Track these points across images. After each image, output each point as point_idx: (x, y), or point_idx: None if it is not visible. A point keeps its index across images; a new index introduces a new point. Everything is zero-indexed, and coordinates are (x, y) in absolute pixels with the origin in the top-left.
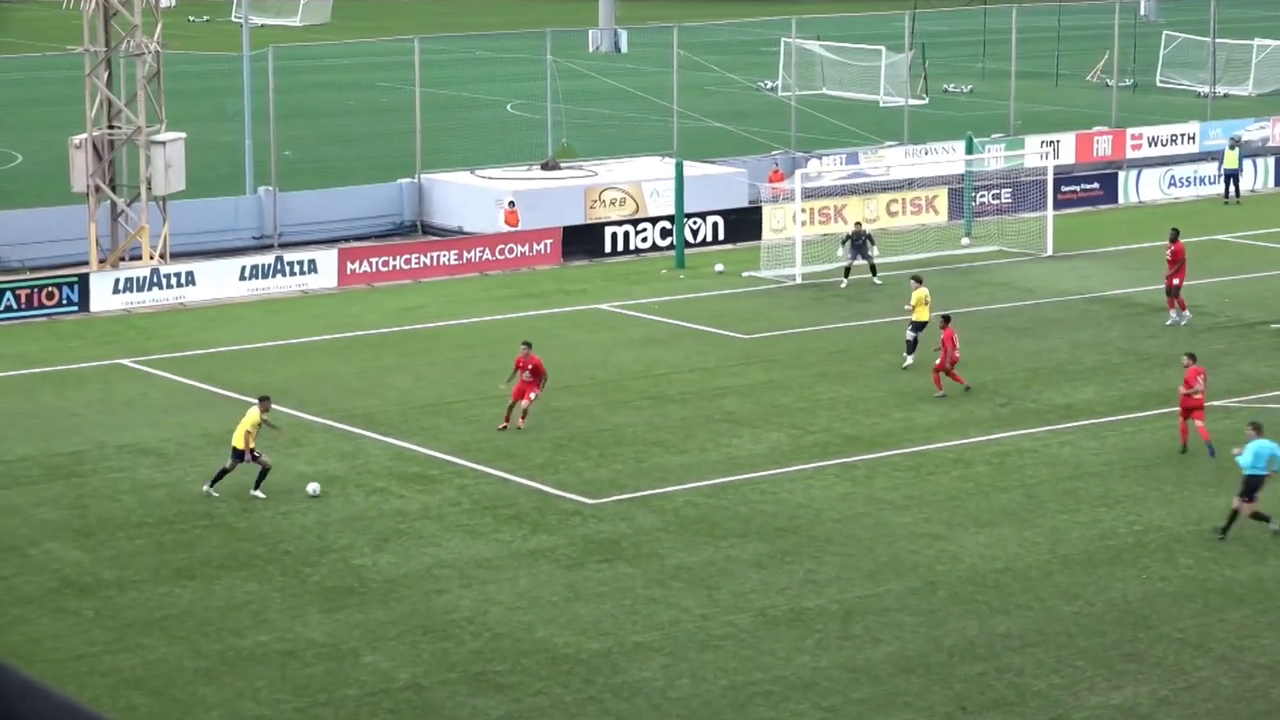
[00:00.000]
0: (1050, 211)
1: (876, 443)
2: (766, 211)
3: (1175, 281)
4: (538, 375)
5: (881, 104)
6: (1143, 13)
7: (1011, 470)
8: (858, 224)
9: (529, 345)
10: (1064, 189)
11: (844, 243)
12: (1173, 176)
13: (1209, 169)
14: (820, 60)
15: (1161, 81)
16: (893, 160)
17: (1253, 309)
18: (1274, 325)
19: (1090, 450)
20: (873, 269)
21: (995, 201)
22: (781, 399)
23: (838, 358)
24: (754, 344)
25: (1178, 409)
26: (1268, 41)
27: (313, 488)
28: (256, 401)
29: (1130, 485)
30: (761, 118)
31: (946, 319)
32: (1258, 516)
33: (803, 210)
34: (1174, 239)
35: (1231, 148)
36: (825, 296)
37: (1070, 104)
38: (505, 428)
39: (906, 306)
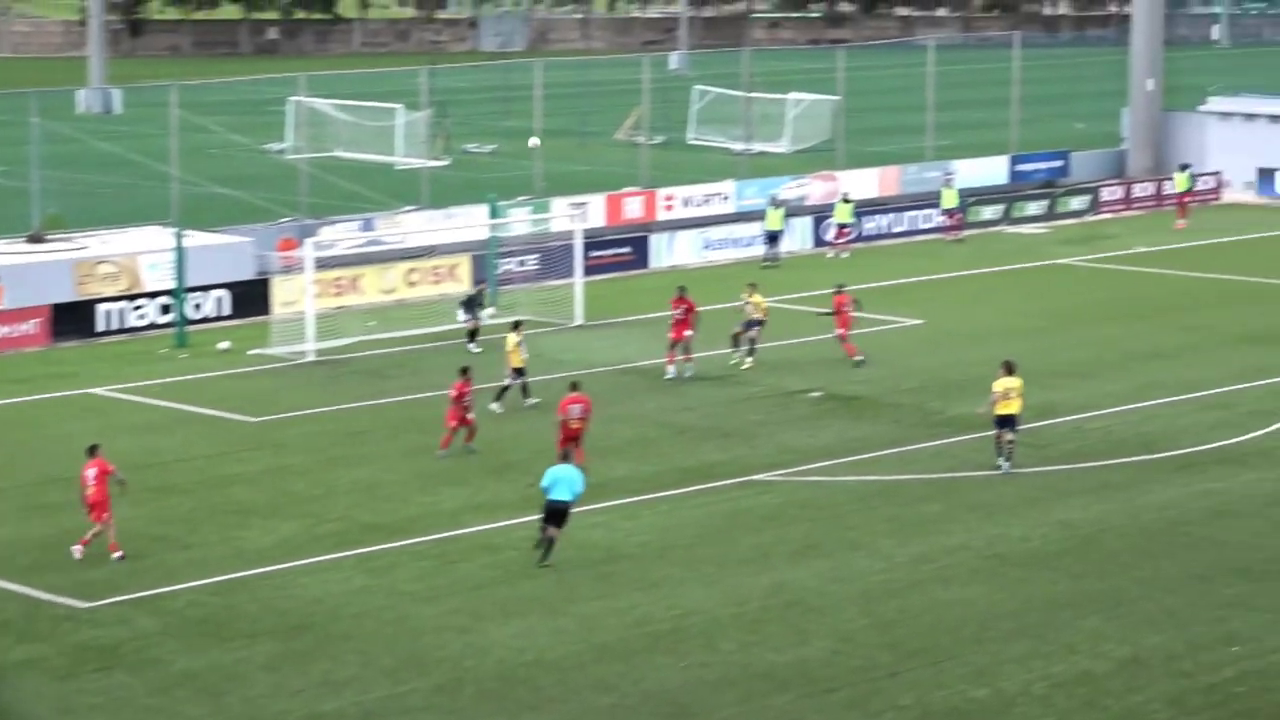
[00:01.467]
0: (579, 278)
1: (398, 530)
2: (275, 284)
3: (687, 333)
4: None
5: (398, 166)
6: (673, 66)
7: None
8: (480, 283)
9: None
10: (594, 254)
11: (462, 305)
12: (708, 238)
13: (745, 230)
14: (332, 120)
15: (694, 139)
16: (411, 226)
17: (792, 376)
18: (813, 393)
19: (625, 531)
20: (472, 334)
21: (521, 269)
22: (294, 486)
23: (355, 440)
24: (263, 427)
25: (707, 485)
26: (803, 95)
27: None
28: None
29: (668, 567)
30: (269, 182)
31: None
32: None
33: (315, 282)
34: (681, 295)
35: (775, 207)
36: (340, 375)
37: (599, 163)
38: None
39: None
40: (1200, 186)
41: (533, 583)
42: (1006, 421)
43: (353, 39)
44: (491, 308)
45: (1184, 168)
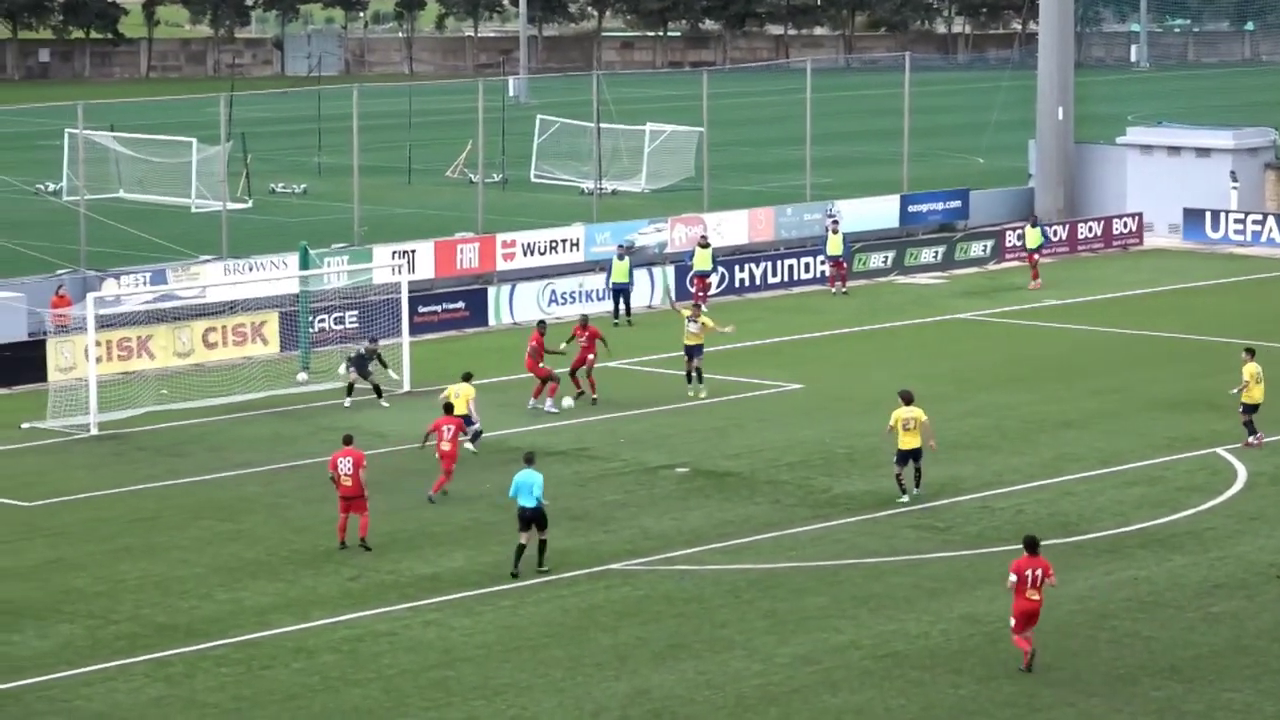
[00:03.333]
0: (406, 338)
1: (197, 631)
2: (51, 346)
3: (590, 356)
4: None
5: (194, 208)
6: (512, 93)
7: (366, 659)
8: (372, 339)
9: None
10: (422, 309)
11: (350, 361)
12: (554, 291)
13: (597, 281)
14: (115, 156)
15: (537, 176)
16: (209, 279)
17: (654, 450)
18: (679, 469)
19: (462, 630)
20: (350, 389)
21: (339, 327)
22: (74, 581)
23: (145, 527)
24: (37, 513)
25: (557, 577)
26: (662, 126)
27: None
28: None
29: (512, 672)
30: (42, 228)
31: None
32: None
33: (98, 344)
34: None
35: (620, 258)
36: (127, 450)
37: (427, 205)
38: None
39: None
40: (1119, 230)
41: (357, 691)
42: (908, 456)
43: (139, 62)
44: (304, 372)
45: (1035, 223)
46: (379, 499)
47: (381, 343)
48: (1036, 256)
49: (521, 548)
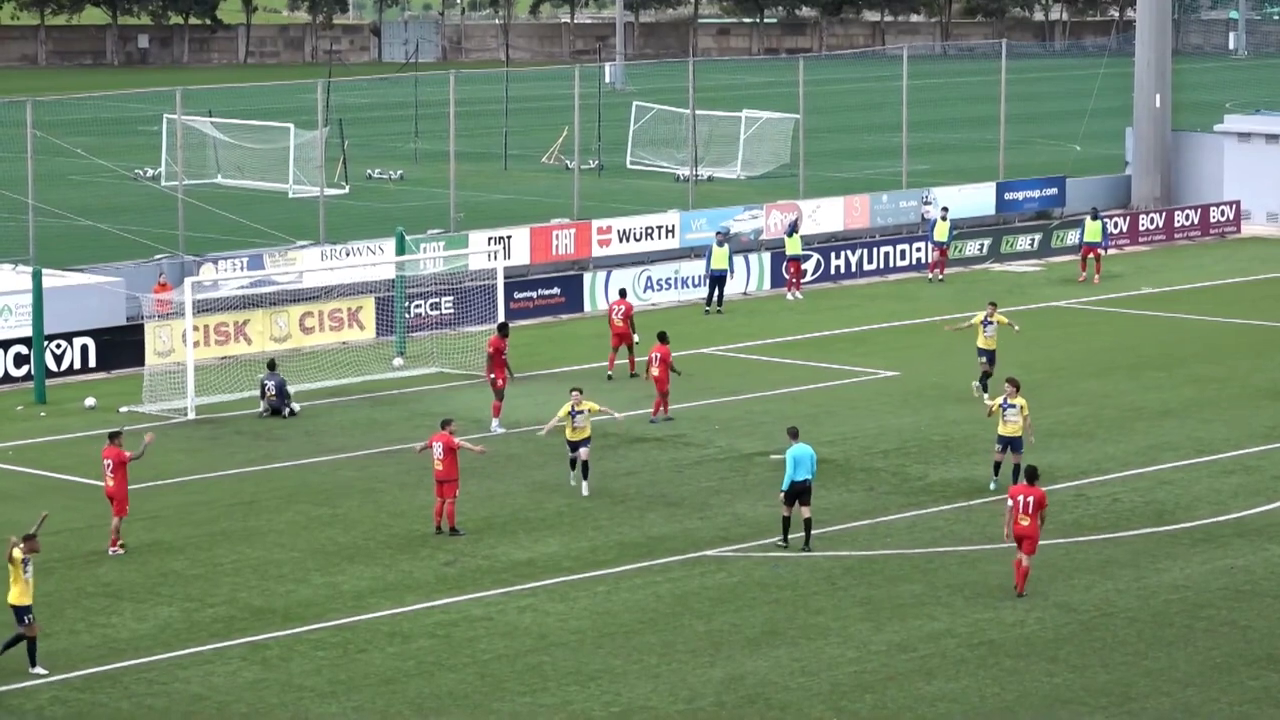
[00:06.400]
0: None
1: (294, 615)
2: (149, 331)
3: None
4: None
5: (291, 194)
6: (608, 79)
7: (460, 644)
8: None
9: None
10: (518, 296)
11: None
12: (649, 277)
13: (694, 268)
14: (213, 141)
15: (633, 163)
16: (306, 264)
17: (747, 437)
18: (774, 455)
19: (557, 616)
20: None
21: (434, 313)
22: (172, 564)
23: (242, 510)
24: (135, 496)
25: (651, 563)
26: (758, 113)
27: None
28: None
29: (606, 657)
30: (141, 214)
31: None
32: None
33: (195, 328)
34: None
35: (720, 244)
36: (224, 435)
37: (523, 191)
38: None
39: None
40: (1216, 218)
41: (451, 676)
42: (1007, 444)
43: (237, 48)
44: (400, 357)
45: (1095, 215)
46: (473, 484)
47: (473, 329)
48: (1101, 251)
49: (787, 520)
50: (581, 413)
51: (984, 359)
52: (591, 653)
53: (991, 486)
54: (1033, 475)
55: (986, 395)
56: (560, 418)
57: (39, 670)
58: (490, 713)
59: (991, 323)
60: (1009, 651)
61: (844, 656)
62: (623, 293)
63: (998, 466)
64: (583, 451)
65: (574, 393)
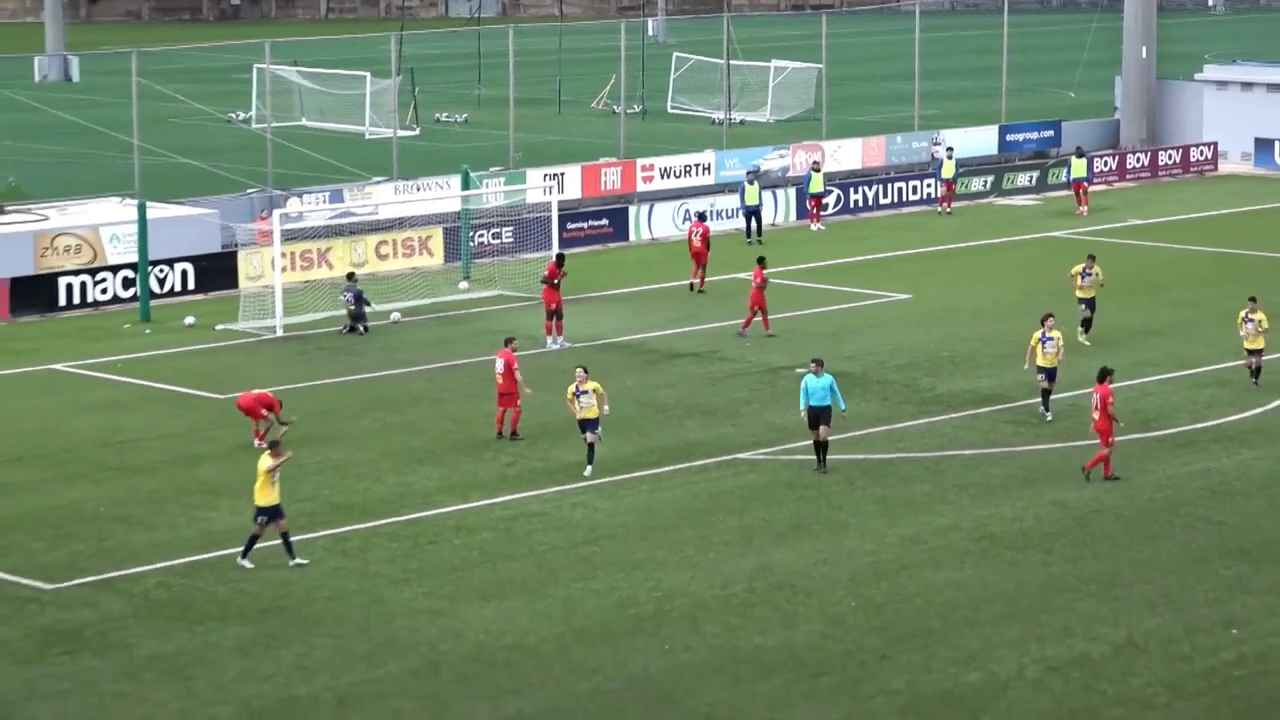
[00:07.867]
0: (555, 251)
1: (370, 510)
2: (242, 257)
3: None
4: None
5: (367, 135)
6: (651, 33)
7: (519, 536)
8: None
9: None
10: (570, 226)
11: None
12: (688, 211)
13: (727, 201)
14: (298, 88)
15: (673, 108)
16: (382, 198)
17: (776, 353)
18: (799, 370)
19: (605, 511)
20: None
21: (495, 241)
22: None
23: (324, 417)
24: (230, 405)
25: (689, 465)
26: (785, 63)
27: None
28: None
29: (650, 548)
30: (234, 153)
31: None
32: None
33: (283, 255)
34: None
35: (750, 182)
36: (309, 350)
37: (575, 133)
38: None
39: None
40: (1196, 157)
41: (511, 565)
42: (1047, 373)
43: (319, 4)
44: (465, 281)
45: (1080, 153)
46: (534, 396)
47: (531, 256)
48: (1087, 185)
49: (817, 444)
50: (586, 392)
51: (1084, 306)
52: (636, 544)
53: (1049, 418)
54: (1102, 375)
55: (1086, 338)
56: (568, 398)
57: (299, 561)
58: (546, 597)
59: (1090, 274)
60: (1009, 544)
61: (862, 548)
62: (701, 216)
63: (1046, 395)
64: (589, 435)
65: (579, 370)
